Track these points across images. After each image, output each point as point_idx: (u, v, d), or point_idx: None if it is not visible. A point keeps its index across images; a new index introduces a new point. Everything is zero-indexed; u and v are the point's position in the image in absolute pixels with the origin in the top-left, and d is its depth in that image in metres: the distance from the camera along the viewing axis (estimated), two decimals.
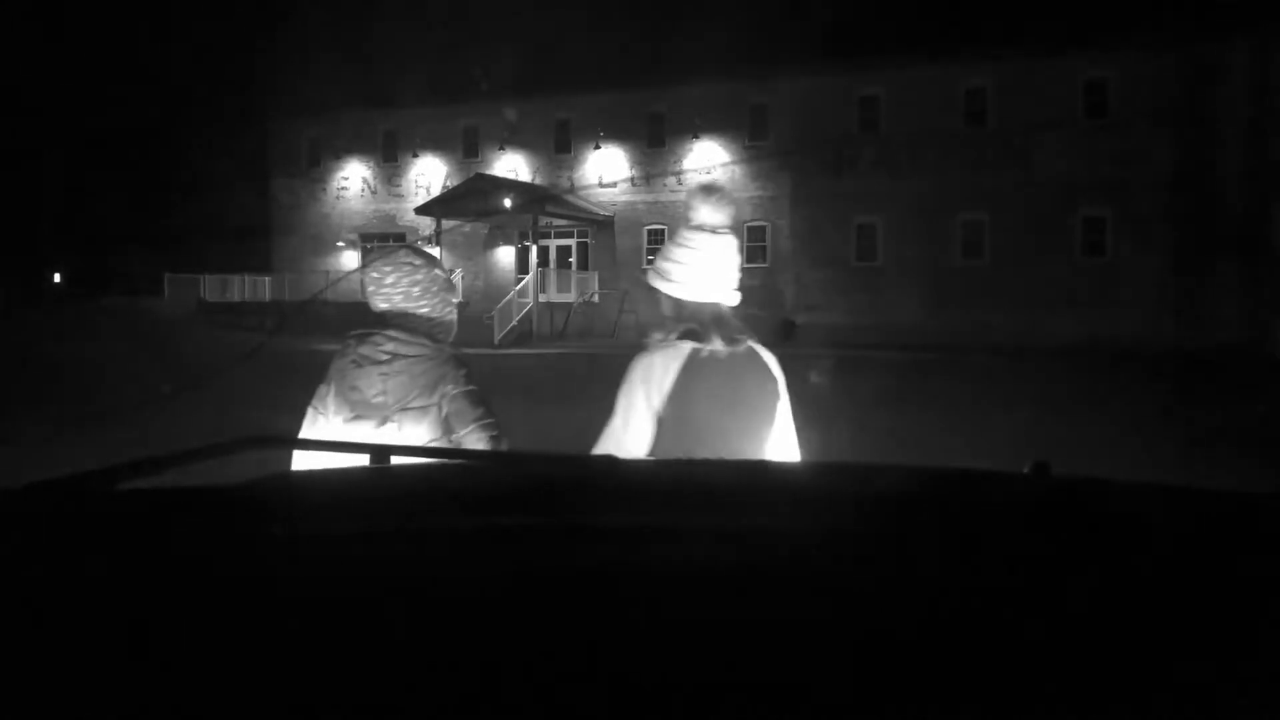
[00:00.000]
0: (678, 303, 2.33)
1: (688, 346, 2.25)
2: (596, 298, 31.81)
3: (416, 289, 2.58)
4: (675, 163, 33.02)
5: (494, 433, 2.45)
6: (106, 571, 0.99)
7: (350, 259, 37.58)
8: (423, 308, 2.58)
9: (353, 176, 37.70)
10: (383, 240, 37.17)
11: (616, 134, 33.53)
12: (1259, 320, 26.53)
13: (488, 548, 1.06)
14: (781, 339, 30.22)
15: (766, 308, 31.73)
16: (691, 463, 1.39)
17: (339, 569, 1.00)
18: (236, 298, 37.24)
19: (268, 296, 37.06)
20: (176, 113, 55.15)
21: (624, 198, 33.61)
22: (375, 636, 0.84)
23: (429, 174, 36.39)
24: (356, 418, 2.42)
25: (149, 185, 52.41)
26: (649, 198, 33.31)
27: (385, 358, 2.45)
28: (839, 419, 11.51)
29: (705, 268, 2.29)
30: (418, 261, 2.63)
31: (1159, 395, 15.00)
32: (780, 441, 2.38)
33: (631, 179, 33.57)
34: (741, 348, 2.32)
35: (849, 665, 0.79)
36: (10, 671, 0.79)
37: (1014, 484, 1.29)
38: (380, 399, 2.41)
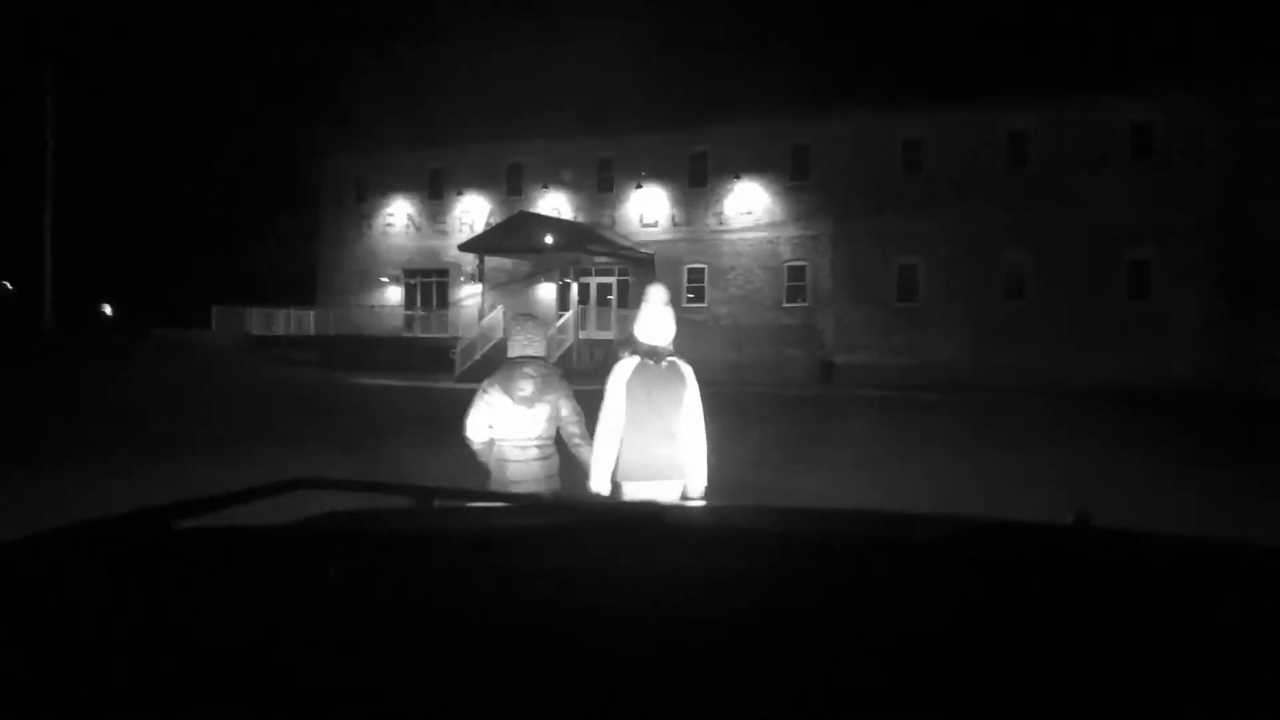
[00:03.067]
0: (637, 340, 4.66)
1: (636, 359, 4.61)
2: None
3: (543, 340, 5.04)
4: (716, 202, 33.14)
5: (582, 418, 4.82)
6: (162, 608, 1.02)
7: (394, 294, 37.98)
8: (543, 348, 5.00)
9: (398, 213, 38.22)
10: (426, 276, 37.57)
11: (658, 173, 33.75)
12: None
13: (529, 589, 1.08)
14: (821, 378, 30.07)
15: (806, 347, 31.62)
16: (731, 509, 1.41)
17: (383, 607, 1.02)
18: (282, 331, 37.74)
19: (313, 330, 37.52)
20: (226, 147, 56.37)
21: (665, 236, 33.75)
22: (421, 671, 0.86)
23: (473, 211, 36.81)
24: (517, 404, 4.71)
25: (197, 218, 53.49)
26: (689, 236, 33.43)
27: (535, 374, 4.78)
28: (880, 459, 11.43)
29: (646, 327, 4.63)
30: (543, 326, 5.29)
31: (1205, 439, 14.71)
32: (691, 410, 4.61)
33: (672, 218, 33.72)
34: (665, 363, 4.61)
35: (883, 711, 0.80)
36: (68, 700, 0.82)
37: (1056, 537, 1.28)
38: (531, 394, 4.73)
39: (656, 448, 4.50)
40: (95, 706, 0.81)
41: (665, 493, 4.55)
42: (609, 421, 4.49)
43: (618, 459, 4.53)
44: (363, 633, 0.96)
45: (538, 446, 4.73)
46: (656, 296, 4.68)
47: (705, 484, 4.62)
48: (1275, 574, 1.15)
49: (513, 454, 4.70)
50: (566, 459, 4.87)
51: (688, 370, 4.65)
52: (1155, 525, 1.33)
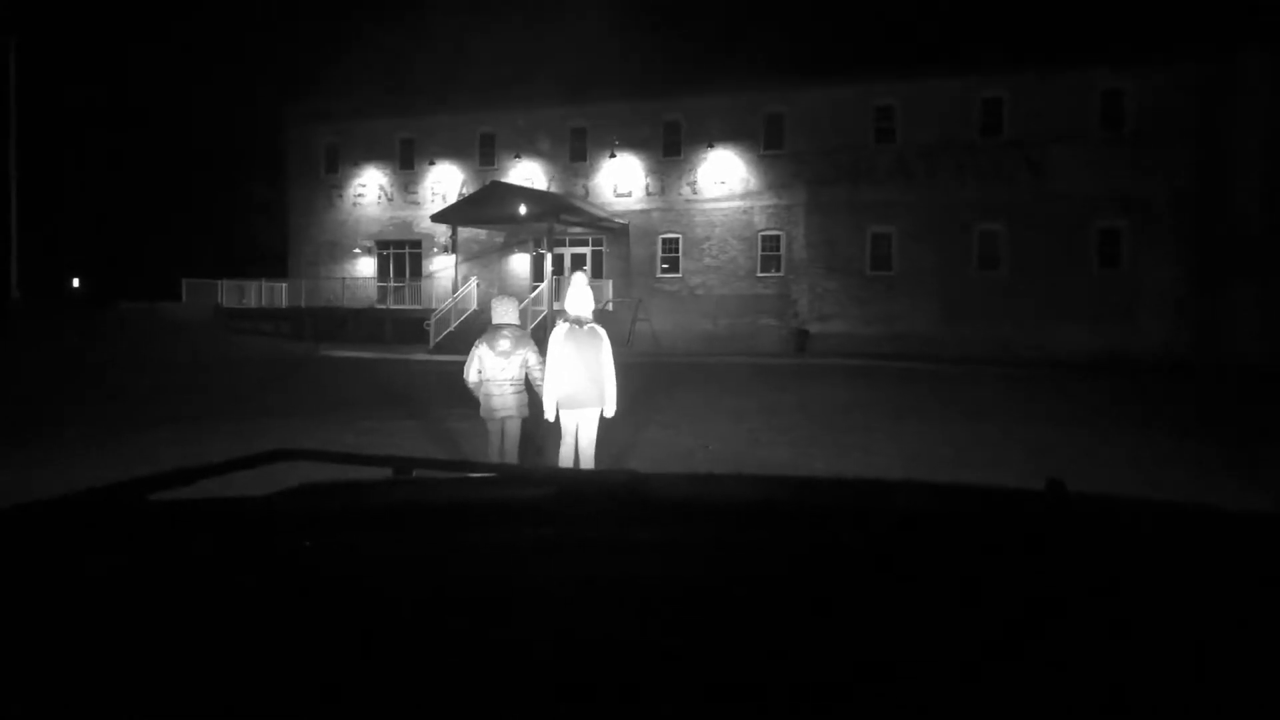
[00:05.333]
0: (566, 311, 6.77)
1: (566, 325, 6.68)
2: (610, 306, 31.83)
3: (516, 312, 7.19)
4: (690, 171, 33.05)
5: (544, 367, 6.71)
6: (138, 580, 1.02)
7: (367, 266, 37.69)
8: (516, 318, 7.16)
9: (369, 183, 37.84)
10: (399, 247, 37.30)
11: (632, 142, 33.57)
12: (1275, 333, 26.35)
13: (509, 559, 1.08)
14: (796, 348, 30.19)
15: (780, 316, 31.71)
16: (707, 478, 1.41)
17: (362, 579, 1.02)
18: (253, 304, 37.40)
19: (284, 303, 37.20)
20: (195, 118, 55.54)
21: (639, 206, 33.65)
22: (397, 644, 0.86)
23: (445, 181, 36.50)
24: (496, 356, 6.86)
25: (166, 192, 52.79)
26: (663, 206, 33.34)
27: (510, 336, 6.95)
28: (854, 429, 11.51)
29: (572, 302, 6.79)
30: (516, 302, 7.37)
31: (1174, 409, 14.92)
32: (605, 360, 6.70)
33: (646, 187, 33.61)
34: (587, 327, 6.68)
35: (861, 677, 0.81)
36: (41, 671, 0.82)
37: (1029, 502, 1.30)
38: (507, 349, 6.92)
39: (582, 385, 6.69)
40: (70, 677, 0.81)
41: (588, 415, 6.81)
42: (550, 369, 6.67)
43: (558, 393, 6.68)
44: (340, 605, 0.96)
45: (512, 384, 6.96)
46: (579, 280, 6.95)
47: (615, 408, 6.86)
48: (1241, 536, 1.17)
49: (495, 390, 6.95)
50: (536, 398, 6.96)
51: (603, 332, 6.82)
52: (1123, 490, 1.35)
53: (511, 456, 6.99)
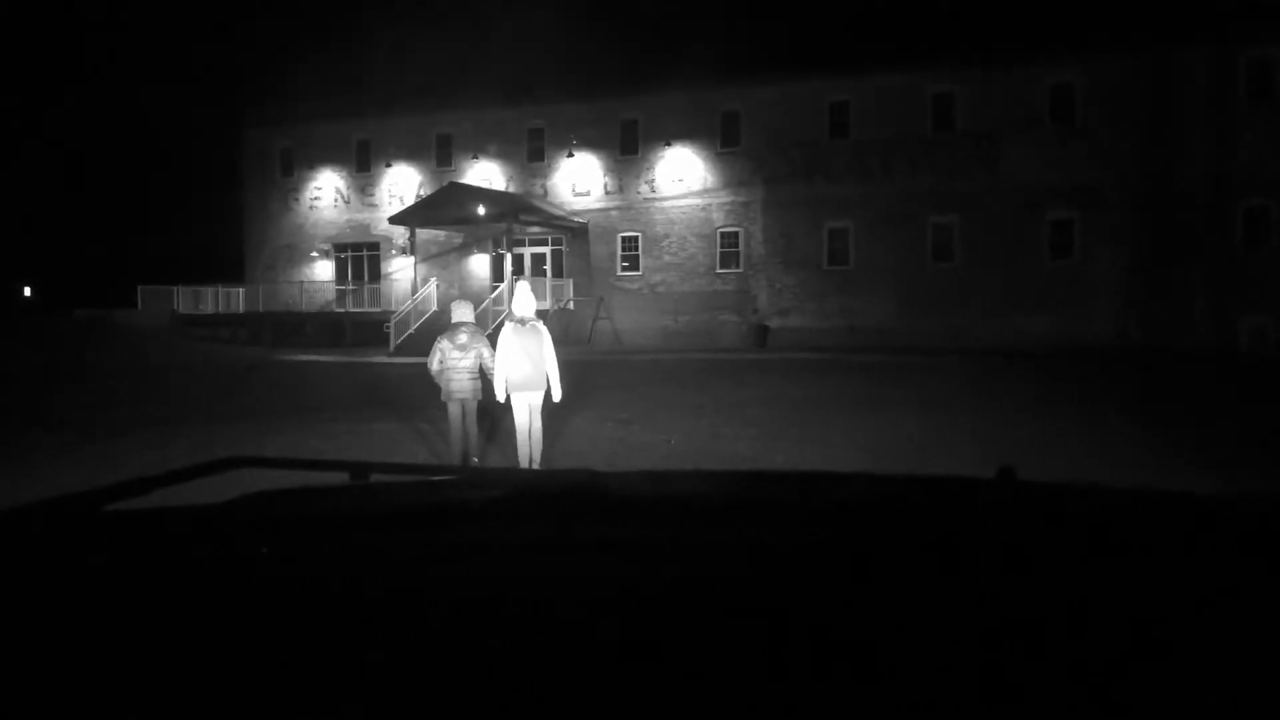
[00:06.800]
0: (512, 311, 8.22)
1: (512, 324, 8.09)
2: (572, 305, 31.77)
3: (472, 313, 8.61)
4: (648, 170, 33.05)
5: (495, 357, 8.14)
6: (93, 593, 1.01)
7: (324, 269, 37.30)
8: (473, 317, 8.58)
9: (325, 186, 37.43)
10: (356, 250, 36.96)
11: (589, 141, 33.51)
12: (1224, 319, 26.87)
13: (466, 562, 1.08)
14: (756, 343, 30.31)
15: (740, 312, 31.82)
16: (664, 474, 1.42)
17: (320, 585, 1.02)
18: (210, 309, 36.87)
19: (241, 308, 36.74)
20: (147, 123, 54.67)
21: (597, 205, 33.60)
22: (355, 649, 0.87)
23: (402, 183, 36.21)
24: (455, 349, 8.26)
25: (119, 197, 51.94)
26: (622, 204, 33.32)
27: (467, 332, 8.34)
28: (812, 421, 11.57)
29: (517, 304, 8.22)
30: (472, 304, 8.93)
31: (1126, 395, 15.15)
32: (547, 351, 8.05)
33: (605, 186, 33.57)
34: (530, 325, 8.06)
35: (823, 671, 0.82)
36: None
37: (980, 490, 1.32)
38: (465, 343, 8.28)
39: (527, 372, 7.99)
40: (22, 693, 0.81)
41: (535, 397, 8.09)
42: (500, 359, 8.02)
43: (507, 379, 8.00)
44: (298, 611, 0.96)
45: (468, 373, 8.30)
46: (523, 287, 8.37)
47: (561, 392, 8.16)
48: (1186, 517, 1.19)
49: (455, 376, 8.27)
50: (489, 384, 8.23)
51: (544, 328, 8.13)
52: (1075, 475, 1.38)
53: (470, 431, 8.52)
